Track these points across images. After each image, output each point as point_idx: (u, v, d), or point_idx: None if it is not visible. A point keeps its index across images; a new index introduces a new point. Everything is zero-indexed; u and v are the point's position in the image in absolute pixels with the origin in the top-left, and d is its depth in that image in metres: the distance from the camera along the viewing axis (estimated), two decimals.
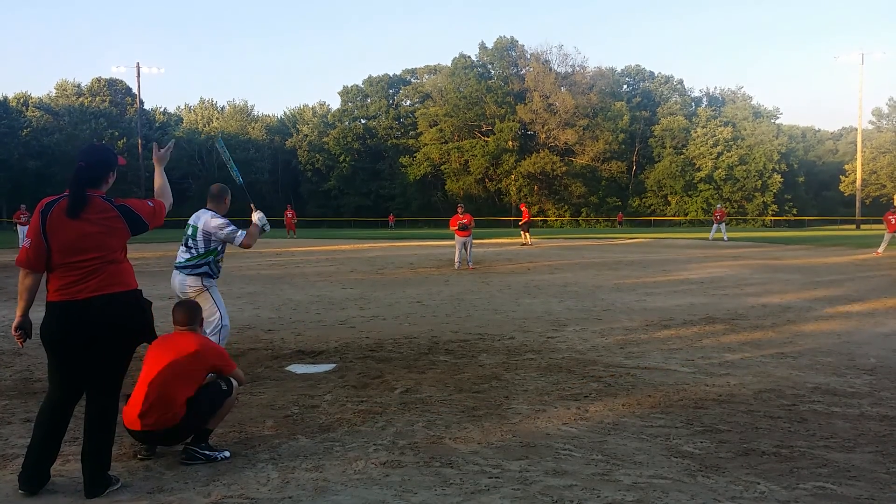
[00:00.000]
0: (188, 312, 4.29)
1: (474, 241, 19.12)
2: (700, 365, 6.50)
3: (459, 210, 17.99)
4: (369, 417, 4.85)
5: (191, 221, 5.97)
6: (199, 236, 5.83)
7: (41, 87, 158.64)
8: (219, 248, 5.94)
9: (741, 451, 4.12)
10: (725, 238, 30.71)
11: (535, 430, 4.54)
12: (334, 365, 6.60)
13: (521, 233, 28.95)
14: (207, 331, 5.72)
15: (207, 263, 5.85)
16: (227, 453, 4.07)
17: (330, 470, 3.85)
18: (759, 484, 3.62)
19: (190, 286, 5.82)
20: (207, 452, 4.01)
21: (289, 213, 40.17)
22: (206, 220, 5.85)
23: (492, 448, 4.20)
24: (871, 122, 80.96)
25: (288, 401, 5.31)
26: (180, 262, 5.90)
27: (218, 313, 5.86)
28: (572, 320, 9.20)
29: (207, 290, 5.85)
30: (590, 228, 62.93)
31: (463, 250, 17.70)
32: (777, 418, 4.80)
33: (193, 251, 5.85)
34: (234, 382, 4.26)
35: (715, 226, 31.45)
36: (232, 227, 5.83)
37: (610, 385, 5.75)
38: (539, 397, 5.37)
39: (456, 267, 17.47)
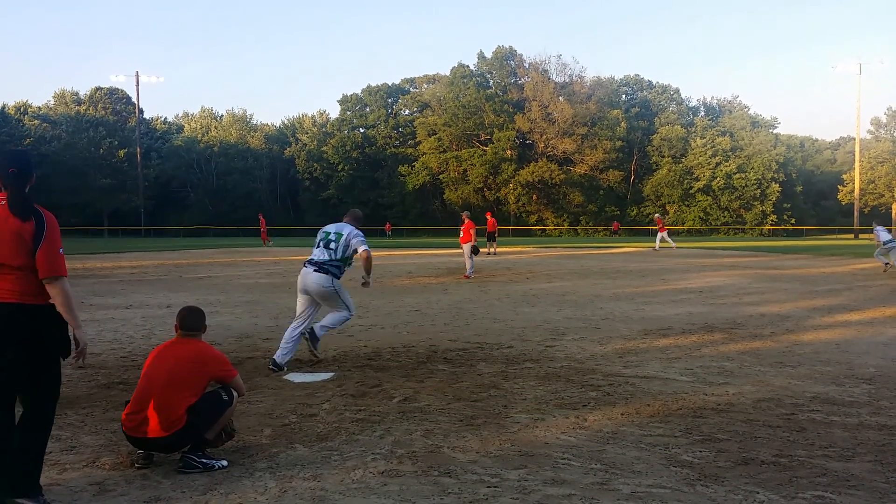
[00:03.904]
0: (194, 318, 4.24)
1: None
2: (699, 374, 6.50)
3: (464, 217, 18.67)
4: (367, 426, 4.84)
5: (332, 229, 7.05)
6: (341, 242, 6.87)
7: (40, 96, 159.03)
8: (349, 256, 6.99)
9: (740, 461, 4.11)
10: (673, 246, 32.71)
11: (533, 439, 4.53)
12: (332, 374, 6.59)
13: (487, 242, 29.04)
14: (336, 322, 7.00)
15: (338, 266, 6.90)
16: (224, 462, 4.05)
17: (328, 479, 3.84)
18: (758, 493, 3.61)
19: (324, 285, 6.80)
20: (205, 461, 3.98)
21: (262, 220, 40.03)
22: (348, 231, 6.93)
23: (490, 457, 4.18)
24: (869, 132, 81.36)
25: (286, 409, 5.29)
26: (321, 261, 6.83)
27: (346, 310, 7.04)
28: (571, 329, 9.19)
29: (336, 289, 6.89)
30: (588, 237, 62.97)
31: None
32: (776, 427, 4.79)
33: (333, 254, 6.85)
34: (235, 393, 4.24)
35: (660, 235, 32.35)
36: (361, 238, 6.98)
37: (608, 394, 5.74)
38: (538, 406, 5.36)
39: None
